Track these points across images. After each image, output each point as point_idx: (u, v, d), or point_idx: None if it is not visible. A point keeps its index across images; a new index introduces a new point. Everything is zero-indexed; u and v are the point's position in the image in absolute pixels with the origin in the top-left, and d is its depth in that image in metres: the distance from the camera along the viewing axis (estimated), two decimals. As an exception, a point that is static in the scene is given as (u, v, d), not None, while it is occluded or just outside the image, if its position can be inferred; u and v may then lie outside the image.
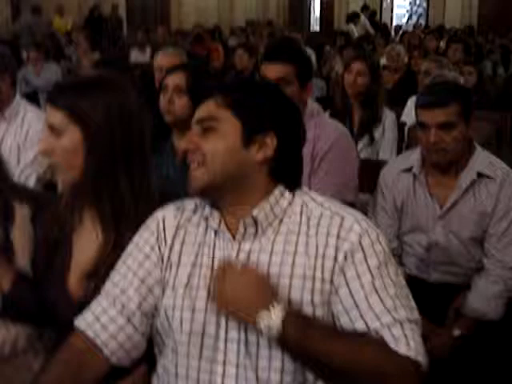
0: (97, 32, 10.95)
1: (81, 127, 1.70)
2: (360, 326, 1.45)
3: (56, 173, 1.77)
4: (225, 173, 1.51)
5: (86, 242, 1.82)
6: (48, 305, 1.83)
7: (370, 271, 1.47)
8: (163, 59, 3.97)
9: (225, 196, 1.54)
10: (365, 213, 2.84)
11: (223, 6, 20.38)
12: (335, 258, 1.48)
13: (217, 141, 1.52)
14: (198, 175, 1.52)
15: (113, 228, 1.77)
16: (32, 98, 4.99)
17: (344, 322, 1.47)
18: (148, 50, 10.27)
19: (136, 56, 9.98)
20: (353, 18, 15.16)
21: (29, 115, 3.37)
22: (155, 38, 11.87)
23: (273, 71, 2.68)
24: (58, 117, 1.71)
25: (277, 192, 1.55)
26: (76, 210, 1.82)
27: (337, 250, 1.48)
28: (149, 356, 1.66)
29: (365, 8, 16.77)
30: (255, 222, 1.52)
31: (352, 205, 2.73)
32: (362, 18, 15.50)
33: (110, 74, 1.89)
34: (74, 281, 1.81)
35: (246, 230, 1.53)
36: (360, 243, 1.48)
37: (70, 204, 1.81)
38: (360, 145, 4.01)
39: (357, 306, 1.46)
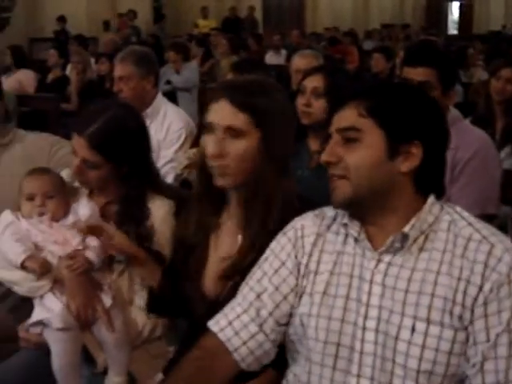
0: (234, 33, 11.18)
1: (262, 131, 1.68)
2: (477, 360, 1.39)
3: (218, 176, 1.74)
4: (370, 186, 1.46)
5: (226, 243, 1.84)
6: (183, 299, 1.88)
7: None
8: (301, 61, 3.97)
9: (369, 208, 1.50)
10: (506, 226, 2.72)
11: (358, 8, 20.27)
12: (480, 288, 1.40)
13: (361, 153, 1.46)
14: (341, 187, 1.48)
15: (256, 232, 1.75)
16: (170, 96, 5.16)
17: (470, 354, 1.41)
18: (283, 53, 10.35)
19: (270, 58, 10.08)
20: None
21: (169, 113, 3.49)
22: (290, 41, 11.96)
23: (415, 75, 2.61)
24: (240, 119, 1.69)
25: (426, 207, 1.49)
26: (218, 210, 1.83)
27: (483, 278, 1.40)
28: (278, 361, 1.65)
29: None
30: (404, 237, 1.47)
31: (493, 217, 2.61)
32: None
33: (264, 77, 1.89)
34: (209, 280, 1.83)
35: (392, 244, 1.48)
36: (509, 276, 1.40)
37: (214, 205, 1.83)
38: (502, 154, 3.82)
39: (487, 341, 1.39)
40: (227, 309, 1.63)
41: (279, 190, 1.74)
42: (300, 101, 2.83)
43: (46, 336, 1.89)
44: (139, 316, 1.98)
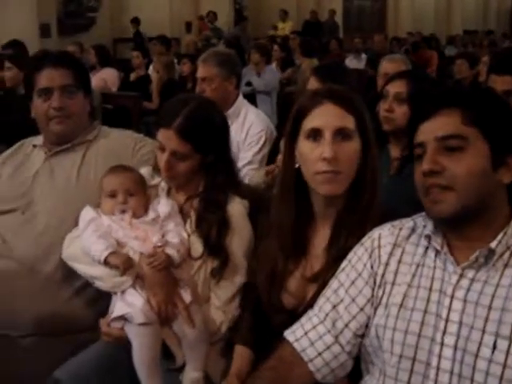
0: (314, 37, 11.14)
1: (362, 136, 1.64)
2: None
3: (325, 182, 1.71)
4: (478, 198, 1.41)
5: (311, 258, 1.83)
6: (261, 308, 1.89)
7: None
8: (389, 65, 3.91)
9: (467, 221, 1.44)
10: None
11: (440, 13, 19.89)
12: None
13: (468, 162, 1.41)
14: (448, 200, 1.42)
15: (343, 247, 1.74)
16: (249, 98, 5.16)
17: None
18: (363, 57, 10.25)
19: (351, 62, 9.99)
20: None
21: (250, 115, 3.49)
22: (370, 45, 11.85)
23: (502, 83, 2.55)
24: (350, 120, 1.70)
25: None
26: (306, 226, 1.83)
27: None
28: (352, 371, 1.64)
29: None
30: (489, 253, 1.42)
31: None
32: None
33: None
34: (289, 291, 1.82)
35: (476, 259, 1.43)
36: None
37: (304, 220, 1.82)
38: None
39: None
40: (304, 319, 1.63)
41: (377, 201, 1.74)
42: (382, 106, 2.77)
43: (128, 330, 1.91)
44: (216, 313, 1.99)
